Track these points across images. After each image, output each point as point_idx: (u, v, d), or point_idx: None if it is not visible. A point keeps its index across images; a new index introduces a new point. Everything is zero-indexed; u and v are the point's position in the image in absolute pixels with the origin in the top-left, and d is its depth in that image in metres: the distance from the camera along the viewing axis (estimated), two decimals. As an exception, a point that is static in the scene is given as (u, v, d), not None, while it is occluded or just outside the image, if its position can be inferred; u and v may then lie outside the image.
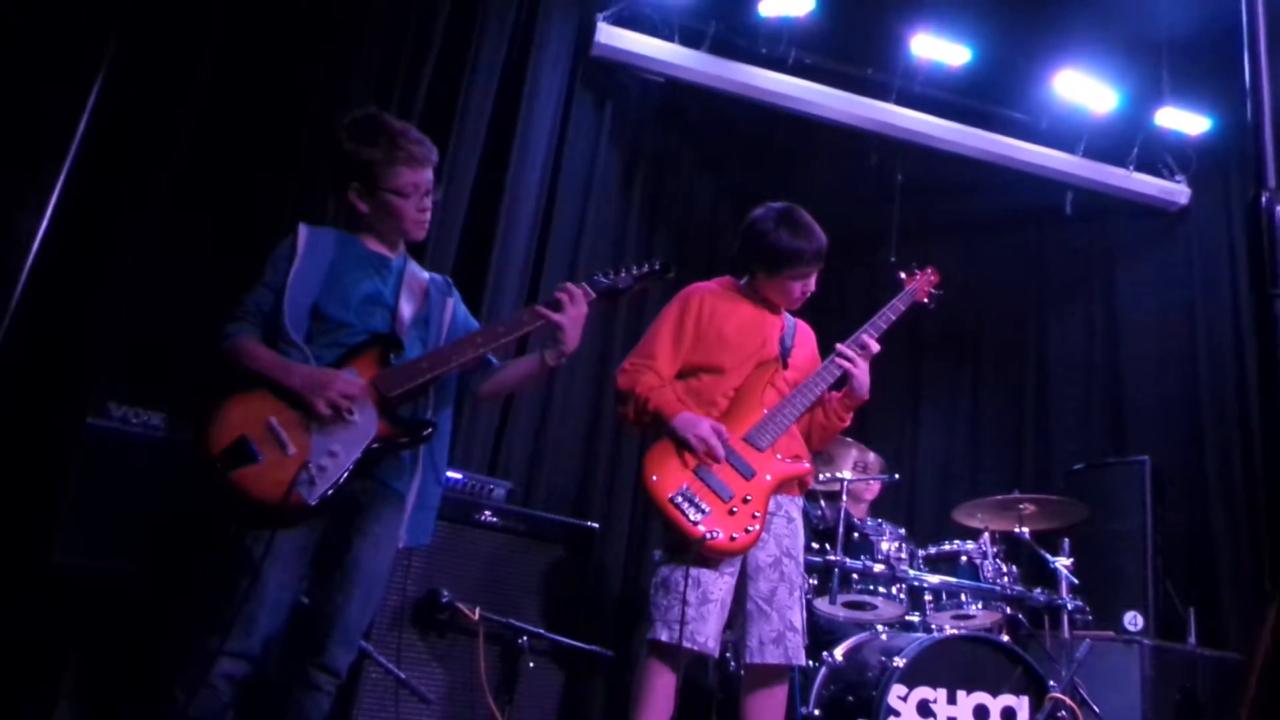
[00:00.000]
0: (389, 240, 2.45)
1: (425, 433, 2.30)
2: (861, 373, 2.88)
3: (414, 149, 2.37)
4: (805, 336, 3.06)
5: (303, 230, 2.37)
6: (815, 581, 3.61)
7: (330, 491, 2.13)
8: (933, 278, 3.25)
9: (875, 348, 2.92)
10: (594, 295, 2.45)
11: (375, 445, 2.21)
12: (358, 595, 2.22)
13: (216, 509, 2.32)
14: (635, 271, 2.54)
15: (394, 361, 2.30)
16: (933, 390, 5.91)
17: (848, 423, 3.02)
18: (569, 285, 2.42)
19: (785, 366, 2.91)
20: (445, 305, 2.51)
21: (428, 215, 2.44)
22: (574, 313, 2.38)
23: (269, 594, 2.11)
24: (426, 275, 2.53)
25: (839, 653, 3.46)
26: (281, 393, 2.17)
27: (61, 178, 3.36)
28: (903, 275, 3.24)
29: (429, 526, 2.39)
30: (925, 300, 3.22)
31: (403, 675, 2.90)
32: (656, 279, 2.59)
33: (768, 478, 2.73)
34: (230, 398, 2.16)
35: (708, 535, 2.59)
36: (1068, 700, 3.38)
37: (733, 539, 2.63)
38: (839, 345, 2.91)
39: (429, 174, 2.41)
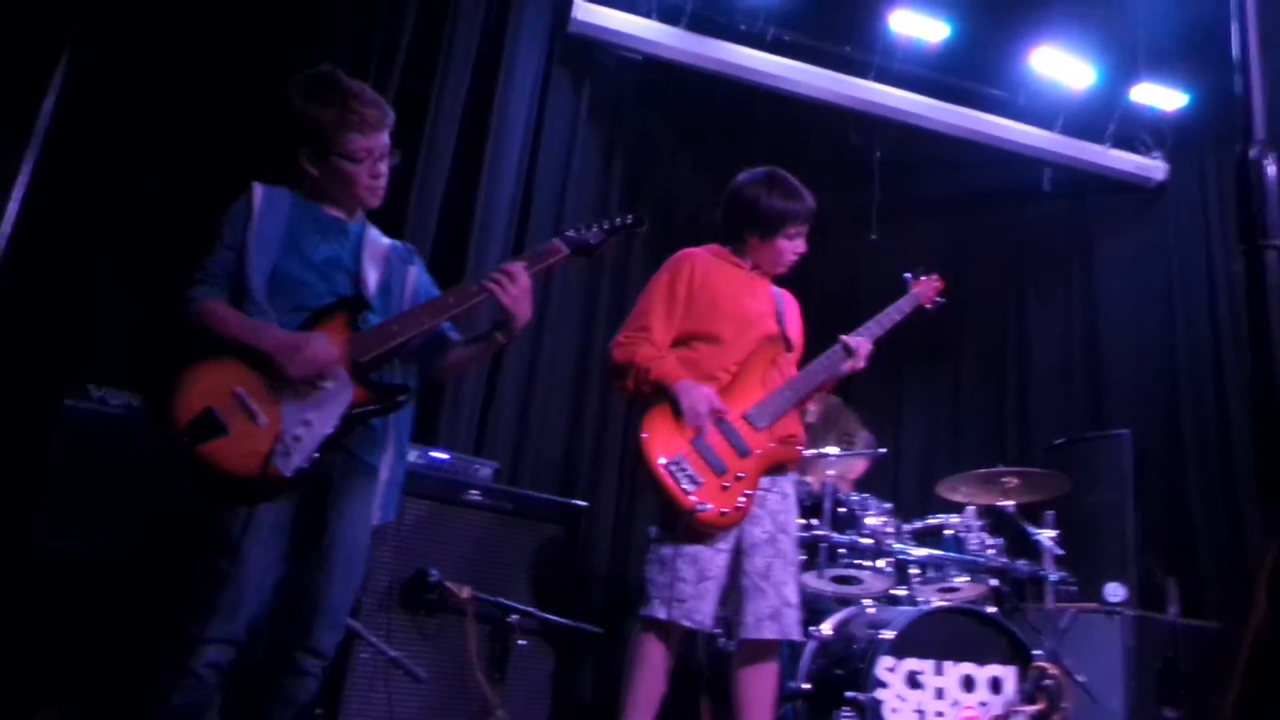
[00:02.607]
0: (345, 205, 2.34)
1: (400, 397, 2.21)
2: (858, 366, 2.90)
3: (367, 112, 2.25)
4: (792, 309, 3.06)
5: (257, 189, 2.25)
6: (804, 557, 3.61)
7: (306, 463, 2.04)
8: (937, 284, 3.29)
9: (870, 349, 2.94)
10: (566, 251, 2.39)
11: (350, 412, 2.11)
12: (339, 576, 2.15)
13: (189, 486, 2.21)
14: (606, 226, 2.48)
15: (363, 325, 2.21)
16: (914, 366, 5.91)
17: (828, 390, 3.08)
18: (507, 266, 2.31)
19: (789, 348, 2.93)
20: (407, 273, 2.42)
21: (382, 182, 2.33)
22: (516, 291, 2.28)
23: (251, 574, 2.03)
24: (387, 242, 2.41)
25: (827, 627, 3.48)
26: (250, 358, 2.06)
27: (31, 159, 3.30)
28: (908, 277, 3.28)
29: (397, 502, 2.32)
30: (928, 306, 3.26)
31: (394, 654, 2.87)
32: (629, 233, 2.55)
33: (760, 455, 2.73)
34: (194, 367, 2.04)
35: (698, 507, 2.59)
36: (1052, 669, 3.41)
37: (722, 514, 2.63)
38: (846, 340, 2.90)
39: (384, 138, 2.29)
